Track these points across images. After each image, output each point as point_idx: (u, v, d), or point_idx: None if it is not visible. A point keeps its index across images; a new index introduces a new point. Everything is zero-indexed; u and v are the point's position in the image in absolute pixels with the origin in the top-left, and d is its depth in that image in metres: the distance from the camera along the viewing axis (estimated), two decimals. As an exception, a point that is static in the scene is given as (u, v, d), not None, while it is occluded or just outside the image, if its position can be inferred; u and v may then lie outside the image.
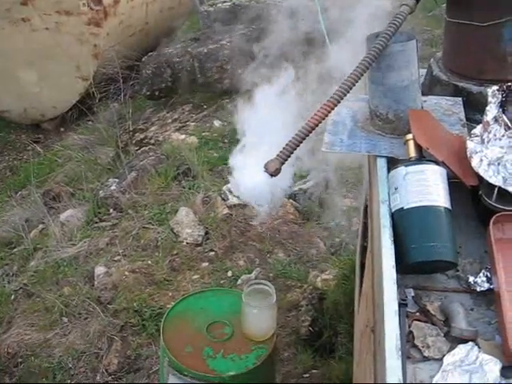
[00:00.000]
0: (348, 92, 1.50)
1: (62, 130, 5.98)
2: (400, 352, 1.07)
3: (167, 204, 3.99)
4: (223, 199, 3.85)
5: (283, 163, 1.41)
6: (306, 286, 3.31)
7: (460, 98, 1.81)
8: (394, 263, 1.24)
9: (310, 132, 1.44)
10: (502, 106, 1.52)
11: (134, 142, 5.00)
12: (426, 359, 1.17)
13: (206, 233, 3.72)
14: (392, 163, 1.50)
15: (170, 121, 5.20)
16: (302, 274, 3.41)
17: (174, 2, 6.77)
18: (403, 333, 1.16)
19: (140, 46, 6.16)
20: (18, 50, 5.74)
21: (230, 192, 3.86)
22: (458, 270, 1.35)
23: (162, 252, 3.60)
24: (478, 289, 1.30)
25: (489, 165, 1.41)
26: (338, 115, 1.76)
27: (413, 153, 1.47)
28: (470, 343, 1.17)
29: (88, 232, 3.92)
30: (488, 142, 1.47)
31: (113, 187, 4.19)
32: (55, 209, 4.31)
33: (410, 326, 1.23)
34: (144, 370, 3.03)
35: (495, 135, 1.48)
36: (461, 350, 1.15)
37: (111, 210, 4.09)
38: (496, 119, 1.50)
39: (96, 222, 4.02)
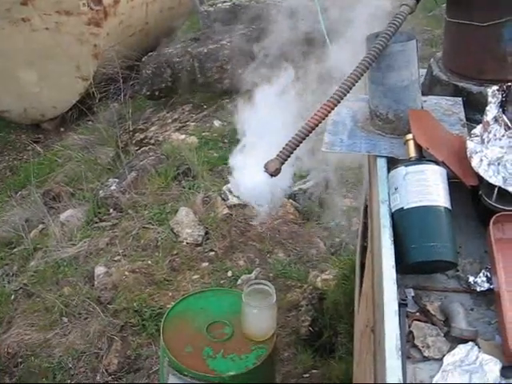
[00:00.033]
0: (348, 92, 1.50)
1: (62, 129, 5.98)
2: (400, 352, 1.07)
3: (167, 204, 3.99)
4: (223, 199, 3.85)
5: (283, 163, 1.41)
6: (305, 286, 3.31)
7: (460, 98, 1.81)
8: (393, 263, 1.24)
9: (310, 132, 1.44)
10: (502, 106, 1.52)
11: (133, 141, 5.00)
12: (426, 359, 1.17)
13: (206, 233, 3.72)
14: (392, 163, 1.50)
15: (170, 121, 5.20)
16: (302, 273, 3.41)
17: (174, 1, 6.77)
18: (403, 333, 1.17)
19: (140, 46, 6.16)
20: (18, 50, 5.74)
21: (230, 192, 3.86)
22: (458, 270, 1.35)
23: (161, 252, 3.60)
24: (478, 289, 1.30)
25: (489, 165, 1.41)
26: (337, 115, 1.76)
27: (413, 153, 1.47)
28: (470, 343, 1.17)
29: (88, 232, 3.92)
30: (488, 142, 1.47)
31: (113, 187, 4.19)
32: (55, 209, 4.31)
33: (410, 326, 1.23)
34: (144, 370, 3.03)
35: (495, 135, 1.49)
36: (461, 350, 1.15)
37: (111, 210, 4.09)
38: (496, 119, 1.50)
39: (96, 222, 4.02)
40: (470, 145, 1.45)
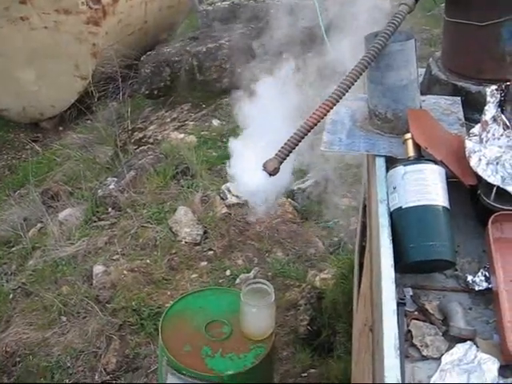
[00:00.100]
0: (347, 91, 1.50)
1: (60, 128, 5.98)
2: (398, 351, 1.07)
3: (166, 203, 3.99)
4: (222, 198, 3.85)
5: (282, 162, 1.41)
6: (304, 285, 3.31)
7: (459, 98, 1.82)
8: (392, 262, 1.24)
9: (309, 131, 1.44)
10: (501, 105, 1.52)
11: (132, 141, 5.00)
12: (424, 358, 1.17)
13: (205, 232, 3.72)
14: (391, 162, 1.50)
15: (168, 120, 5.19)
16: (301, 273, 3.41)
17: (173, 0, 6.77)
18: (401, 332, 1.17)
19: (139, 44, 6.16)
20: (16, 49, 5.74)
21: (229, 191, 3.85)
22: (456, 270, 1.35)
23: (160, 251, 3.60)
24: (477, 288, 1.30)
25: (487, 164, 1.41)
26: (336, 114, 1.77)
27: (411, 152, 1.47)
28: (469, 342, 1.17)
29: (86, 231, 3.92)
30: (487, 141, 1.47)
31: (111, 186, 4.19)
32: (54, 208, 4.31)
33: (408, 325, 1.23)
34: (142, 369, 3.03)
35: (494, 135, 1.49)
36: (459, 349, 1.15)
37: (110, 209, 4.09)
38: (495, 119, 1.50)
39: (94, 221, 4.02)
40: (469, 144, 1.45)
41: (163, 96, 5.49)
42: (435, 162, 1.41)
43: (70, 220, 4.06)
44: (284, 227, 3.72)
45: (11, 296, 3.52)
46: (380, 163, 1.53)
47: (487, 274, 1.30)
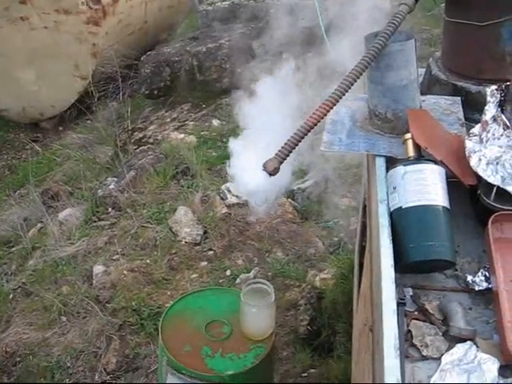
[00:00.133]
0: (347, 91, 1.50)
1: (60, 128, 5.98)
2: (398, 351, 1.07)
3: (166, 203, 3.99)
4: (222, 198, 3.85)
5: (282, 162, 1.41)
6: (304, 285, 3.31)
7: (459, 98, 1.82)
8: (392, 262, 1.24)
9: (309, 131, 1.44)
10: (501, 105, 1.52)
11: (132, 141, 5.00)
12: (424, 358, 1.17)
13: (205, 232, 3.72)
14: (391, 162, 1.51)
15: (168, 120, 5.19)
16: (301, 273, 3.41)
17: (173, 0, 6.77)
18: (401, 332, 1.17)
19: (139, 44, 6.16)
20: (16, 49, 5.74)
21: (229, 191, 3.86)
22: (456, 270, 1.35)
23: (160, 251, 3.60)
24: (477, 288, 1.30)
25: (487, 164, 1.41)
26: (336, 114, 1.77)
27: (411, 152, 1.47)
28: (469, 342, 1.17)
29: (86, 231, 3.92)
30: (487, 141, 1.47)
31: (111, 186, 4.19)
32: (54, 208, 4.31)
33: (408, 325, 1.23)
34: (142, 369, 3.03)
35: (494, 135, 1.49)
36: (459, 349, 1.15)
37: (110, 209, 4.09)
38: (495, 119, 1.50)
39: (94, 221, 4.02)
40: (469, 144, 1.45)
41: (163, 96, 5.49)
42: (435, 161, 1.41)
43: (70, 220, 4.06)
44: (284, 227, 3.72)
45: (11, 296, 3.52)
46: (380, 163, 1.53)
47: (487, 273, 1.30)
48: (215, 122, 4.96)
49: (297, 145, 1.43)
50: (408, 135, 1.50)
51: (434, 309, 1.25)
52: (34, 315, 3.35)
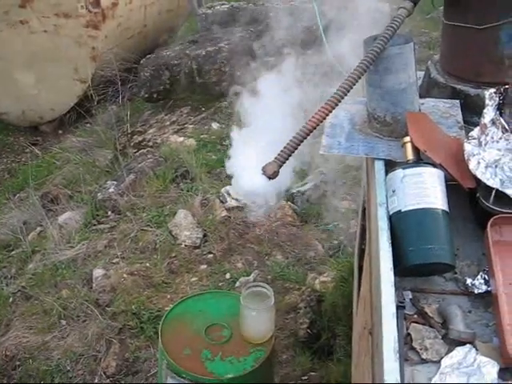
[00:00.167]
0: (346, 94, 1.50)
1: (60, 132, 5.98)
2: (398, 354, 1.07)
3: (165, 206, 3.99)
4: (221, 201, 3.85)
5: (281, 166, 1.41)
6: (304, 288, 3.31)
7: (457, 101, 1.82)
8: (391, 266, 1.24)
9: (308, 134, 1.44)
10: (500, 108, 1.52)
11: (132, 144, 5.00)
12: (423, 361, 1.17)
13: (205, 235, 3.72)
14: (390, 166, 1.51)
15: (168, 123, 5.20)
16: (301, 276, 3.41)
17: (172, 4, 6.78)
18: (401, 335, 1.17)
19: (138, 48, 6.17)
20: (16, 53, 5.74)
21: (229, 194, 3.86)
22: (455, 273, 1.35)
23: (160, 254, 3.60)
24: (476, 291, 1.30)
25: (486, 167, 1.42)
26: (335, 118, 1.77)
27: (410, 155, 1.47)
28: (468, 345, 1.17)
29: (86, 234, 3.92)
30: (485, 144, 1.48)
31: (111, 189, 4.19)
32: (53, 211, 4.31)
33: (407, 329, 1.23)
34: (142, 372, 3.03)
35: (492, 138, 1.49)
36: (458, 352, 1.15)
37: (109, 213, 4.09)
38: (493, 122, 1.50)
39: (94, 225, 4.02)
40: (468, 147, 1.45)
41: (163, 99, 5.50)
42: (434, 165, 1.41)
43: (70, 223, 4.05)
44: (284, 230, 3.72)
45: (11, 300, 3.51)
46: (379, 166, 1.53)
47: (486, 276, 1.30)
48: (215, 125, 4.96)
49: (296, 148, 1.43)
50: (407, 138, 1.50)
51: (434, 312, 1.25)
52: (33, 319, 3.34)
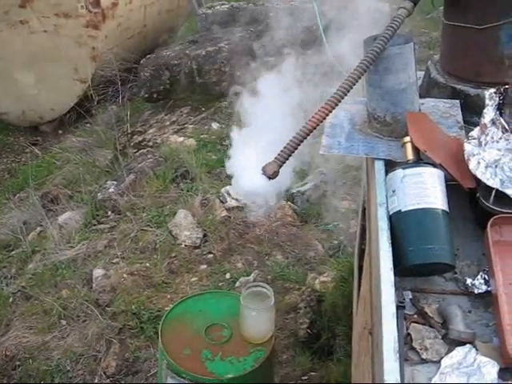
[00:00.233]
0: (346, 95, 1.50)
1: (60, 132, 5.98)
2: (398, 354, 1.07)
3: (165, 206, 3.99)
4: (221, 201, 3.85)
5: (281, 166, 1.41)
6: (304, 288, 3.31)
7: (457, 101, 1.82)
8: (391, 266, 1.24)
9: (308, 134, 1.44)
10: (500, 108, 1.52)
11: (132, 144, 5.00)
12: (423, 361, 1.17)
13: (205, 235, 3.72)
14: (390, 166, 1.51)
15: (168, 123, 5.20)
16: (301, 276, 3.41)
17: (172, 4, 6.78)
18: (401, 335, 1.17)
19: (138, 48, 6.17)
20: (16, 53, 5.74)
21: (229, 194, 3.86)
22: (455, 273, 1.35)
23: (160, 254, 3.60)
24: (476, 291, 1.30)
25: (486, 167, 1.42)
26: (335, 118, 1.77)
27: (410, 155, 1.47)
28: (468, 345, 1.17)
29: (86, 234, 3.91)
30: (485, 144, 1.48)
31: (111, 189, 4.19)
32: (53, 211, 4.30)
33: (407, 329, 1.23)
34: (142, 372, 3.03)
35: (492, 138, 1.49)
36: (458, 352, 1.15)
37: (109, 213, 4.09)
38: (493, 122, 1.50)
39: (94, 225, 4.02)
40: (468, 147, 1.45)
41: (162, 99, 5.50)
42: (434, 165, 1.41)
43: (70, 223, 4.05)
44: (284, 230, 3.72)
45: (11, 300, 3.51)
46: (379, 166, 1.53)
47: (486, 276, 1.30)
48: (214, 125, 4.96)
49: (296, 148, 1.43)
50: (407, 138, 1.50)
51: (434, 312, 1.25)
52: (33, 319, 3.34)
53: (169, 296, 3.34)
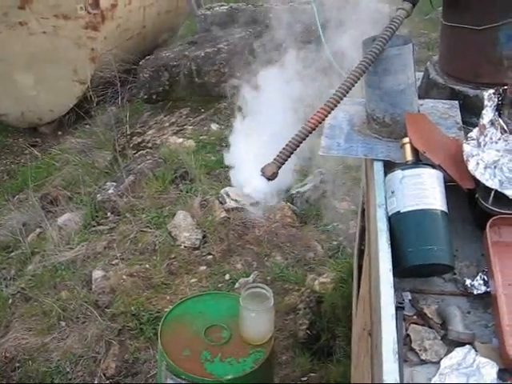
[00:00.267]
0: (345, 96, 1.50)
1: (59, 133, 5.98)
2: (397, 355, 1.07)
3: (165, 207, 3.99)
4: (221, 203, 3.85)
5: (280, 167, 1.41)
6: (303, 289, 3.31)
7: (456, 102, 1.82)
8: (390, 267, 1.24)
9: (307, 135, 1.44)
10: (498, 109, 1.53)
11: (131, 145, 5.00)
12: (423, 362, 1.17)
13: (204, 236, 3.71)
14: (389, 167, 1.51)
15: (167, 124, 5.20)
16: (300, 277, 3.41)
17: (171, 5, 6.78)
18: (400, 336, 1.17)
19: (137, 49, 6.17)
20: (15, 54, 5.74)
21: (228, 195, 3.86)
22: (454, 274, 1.36)
23: (159, 256, 3.59)
24: (475, 292, 1.30)
25: (485, 168, 1.42)
26: (334, 119, 1.77)
27: (409, 156, 1.47)
28: (467, 346, 1.17)
29: (86, 236, 3.91)
30: (484, 145, 1.48)
31: (110, 191, 4.19)
32: (53, 212, 4.30)
33: (407, 330, 1.23)
34: (142, 373, 3.03)
35: (491, 138, 1.49)
36: (458, 353, 1.15)
37: (109, 214, 4.09)
38: (492, 122, 1.50)
39: (94, 226, 4.02)
40: (467, 148, 1.45)
41: (162, 100, 5.50)
42: (433, 166, 1.41)
43: (69, 225, 4.05)
44: (283, 231, 3.72)
45: (10, 301, 3.51)
46: (378, 167, 1.53)
47: (485, 277, 1.30)
48: (214, 127, 4.96)
49: (295, 149, 1.43)
50: (406, 139, 1.50)
51: (433, 313, 1.25)
52: (33, 320, 3.34)
53: (168, 297, 3.34)
